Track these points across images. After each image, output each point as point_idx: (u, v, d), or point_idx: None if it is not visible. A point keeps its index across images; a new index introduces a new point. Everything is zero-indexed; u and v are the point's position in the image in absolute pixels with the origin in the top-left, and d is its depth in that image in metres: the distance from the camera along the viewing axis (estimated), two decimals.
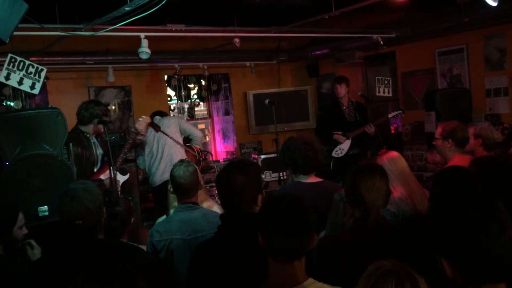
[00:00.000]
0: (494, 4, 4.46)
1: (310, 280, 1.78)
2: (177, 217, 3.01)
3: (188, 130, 6.08)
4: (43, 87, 6.66)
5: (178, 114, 8.73)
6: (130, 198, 4.54)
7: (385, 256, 1.53)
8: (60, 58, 6.55)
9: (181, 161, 3.24)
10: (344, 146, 6.30)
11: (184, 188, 3.07)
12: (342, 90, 6.35)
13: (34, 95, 6.44)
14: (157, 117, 6.22)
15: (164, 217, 3.43)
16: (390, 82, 6.54)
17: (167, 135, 5.83)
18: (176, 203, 3.23)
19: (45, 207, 3.58)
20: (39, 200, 3.58)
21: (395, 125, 7.65)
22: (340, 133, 6.31)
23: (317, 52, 7.90)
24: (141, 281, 1.48)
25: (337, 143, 6.31)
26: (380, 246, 2.14)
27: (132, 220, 3.01)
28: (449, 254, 1.44)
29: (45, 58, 6.06)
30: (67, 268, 2.12)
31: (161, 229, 2.98)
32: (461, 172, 2.70)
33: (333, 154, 6.30)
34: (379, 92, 6.51)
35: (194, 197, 3.11)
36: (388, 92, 6.55)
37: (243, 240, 2.16)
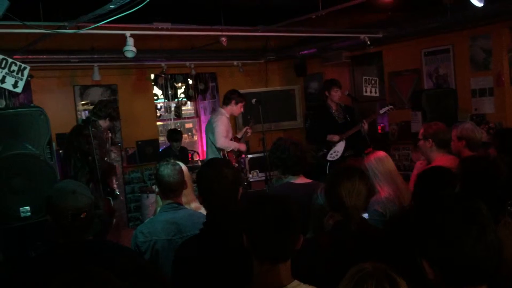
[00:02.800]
0: (480, 4, 4.48)
1: (295, 282, 1.76)
2: (162, 217, 2.98)
3: (213, 135, 6.00)
4: (27, 85, 6.56)
5: (165, 113, 8.68)
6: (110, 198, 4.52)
7: (367, 258, 1.51)
8: (44, 56, 6.47)
9: (167, 160, 3.20)
10: (339, 148, 6.16)
11: (172, 187, 3.04)
12: (340, 94, 6.25)
13: (17, 93, 6.34)
14: (218, 111, 6.22)
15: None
16: (377, 82, 6.56)
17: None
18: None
19: (27, 208, 3.50)
20: (21, 200, 3.50)
21: (382, 125, 7.68)
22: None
23: (305, 52, 7.90)
24: (118, 286, 1.45)
25: (331, 146, 6.19)
26: (362, 248, 2.13)
27: (114, 221, 2.97)
28: (430, 256, 1.43)
29: (29, 56, 5.98)
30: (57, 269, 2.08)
31: (145, 230, 2.94)
32: (441, 172, 2.70)
33: (329, 158, 6.12)
34: (366, 92, 6.52)
35: (179, 197, 3.08)
36: (375, 92, 6.56)
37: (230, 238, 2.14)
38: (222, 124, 5.97)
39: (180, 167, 3.12)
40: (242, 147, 6.26)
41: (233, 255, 2.09)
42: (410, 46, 6.92)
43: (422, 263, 1.44)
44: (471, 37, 6.30)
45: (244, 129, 6.58)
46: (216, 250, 2.20)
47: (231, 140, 6.21)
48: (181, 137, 7.51)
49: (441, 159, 3.57)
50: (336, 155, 6.13)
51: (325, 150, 6.20)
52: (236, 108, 6.15)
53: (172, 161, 3.17)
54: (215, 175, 2.32)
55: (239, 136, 6.53)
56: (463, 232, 1.38)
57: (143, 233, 2.93)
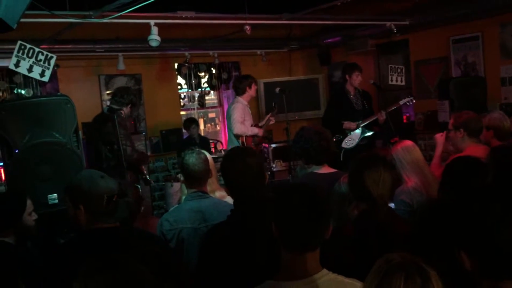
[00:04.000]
0: None
1: (324, 271, 1.74)
2: (187, 206, 2.98)
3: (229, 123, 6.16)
4: (54, 75, 6.65)
5: (189, 103, 8.69)
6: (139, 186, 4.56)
7: (394, 249, 1.48)
8: (70, 46, 6.54)
9: (192, 149, 3.20)
10: (355, 136, 6.12)
11: (196, 176, 3.03)
12: (361, 79, 6.16)
13: (45, 83, 6.44)
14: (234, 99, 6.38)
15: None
16: (403, 70, 6.43)
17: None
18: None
19: (55, 195, 3.57)
20: (48, 188, 3.57)
21: (407, 114, 7.55)
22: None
23: (329, 40, 7.80)
24: (144, 273, 1.45)
25: (346, 133, 6.12)
26: (388, 239, 2.09)
27: (142, 209, 2.99)
28: (469, 247, 1.39)
29: (56, 46, 6.05)
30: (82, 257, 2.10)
31: (171, 218, 2.95)
32: (470, 162, 2.63)
33: (343, 145, 6.08)
34: (391, 80, 6.40)
35: (204, 186, 3.07)
36: (401, 81, 6.44)
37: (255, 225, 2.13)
38: (237, 112, 6.15)
39: (205, 156, 3.11)
40: (260, 132, 6.36)
41: (261, 243, 2.07)
42: (438, 33, 6.76)
43: (459, 254, 1.41)
44: (500, 24, 6.13)
45: (267, 117, 6.56)
46: (243, 238, 2.19)
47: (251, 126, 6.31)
48: (193, 124, 7.46)
49: (473, 149, 3.49)
50: (351, 143, 6.08)
51: (340, 137, 6.12)
52: (252, 91, 6.32)
53: (197, 149, 3.16)
54: (238, 167, 2.30)
55: (260, 124, 6.52)
56: (505, 223, 1.34)
57: (168, 221, 2.95)
